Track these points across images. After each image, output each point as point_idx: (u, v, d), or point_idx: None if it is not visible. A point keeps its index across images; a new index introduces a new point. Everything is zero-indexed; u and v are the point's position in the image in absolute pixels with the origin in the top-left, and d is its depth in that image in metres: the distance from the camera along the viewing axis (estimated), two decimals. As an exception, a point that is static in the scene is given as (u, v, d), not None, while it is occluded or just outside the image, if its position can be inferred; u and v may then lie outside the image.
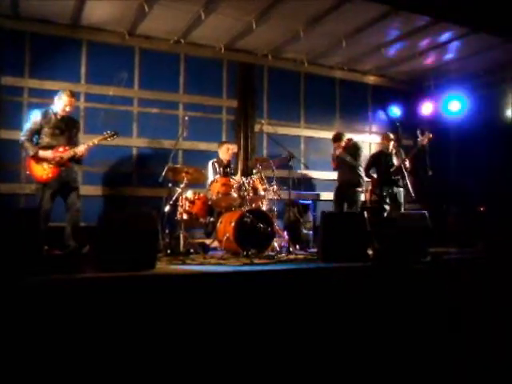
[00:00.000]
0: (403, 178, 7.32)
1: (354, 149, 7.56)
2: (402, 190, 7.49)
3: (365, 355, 4.09)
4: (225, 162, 7.20)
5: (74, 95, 5.90)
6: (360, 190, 7.48)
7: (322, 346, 4.01)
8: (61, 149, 5.64)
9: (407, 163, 7.44)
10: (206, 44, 8.11)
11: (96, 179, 7.35)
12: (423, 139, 7.53)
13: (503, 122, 8.84)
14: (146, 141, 7.78)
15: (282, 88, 8.88)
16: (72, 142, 5.78)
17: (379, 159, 7.70)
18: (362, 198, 7.79)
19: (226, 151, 7.23)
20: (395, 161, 7.53)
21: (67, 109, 5.74)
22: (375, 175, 7.75)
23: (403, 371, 4.06)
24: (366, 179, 7.64)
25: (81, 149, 5.68)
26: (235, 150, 7.98)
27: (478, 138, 8.55)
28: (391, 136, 7.75)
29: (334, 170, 7.86)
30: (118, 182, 7.52)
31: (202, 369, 3.53)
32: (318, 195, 8.84)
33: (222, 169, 7.02)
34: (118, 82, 7.51)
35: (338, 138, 7.66)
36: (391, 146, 7.65)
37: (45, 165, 5.56)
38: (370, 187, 7.86)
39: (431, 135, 7.53)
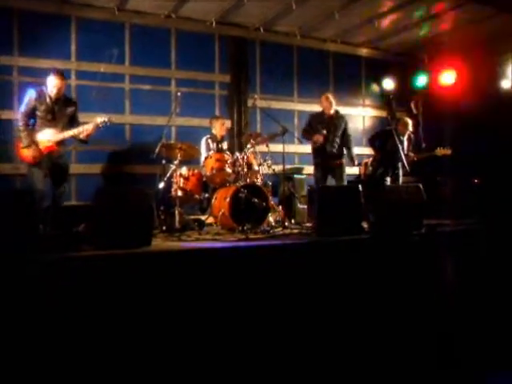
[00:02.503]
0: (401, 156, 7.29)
1: (338, 119, 7.50)
2: (400, 167, 7.51)
3: (360, 326, 4.14)
4: (218, 137, 7.17)
5: (62, 76, 5.62)
6: (344, 161, 7.42)
7: (319, 320, 4.05)
8: (51, 132, 5.57)
9: (411, 155, 7.61)
10: (197, 18, 7.98)
11: (89, 157, 7.30)
12: (440, 151, 7.58)
13: (498, 93, 8.81)
14: (138, 118, 7.72)
15: (274, 62, 8.82)
16: (68, 126, 5.68)
17: (392, 137, 7.54)
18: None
19: (220, 126, 7.21)
20: (405, 145, 7.62)
21: (54, 91, 5.55)
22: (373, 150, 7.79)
23: (399, 344, 4.12)
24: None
25: (75, 131, 5.60)
26: (228, 125, 7.96)
27: (473, 110, 8.52)
28: (410, 124, 7.80)
29: (304, 136, 7.60)
30: (111, 159, 7.47)
31: (197, 342, 3.57)
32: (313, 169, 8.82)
33: (215, 144, 6.99)
34: (109, 59, 7.41)
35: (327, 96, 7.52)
36: (407, 135, 7.75)
37: (34, 147, 5.47)
38: (366, 160, 7.85)
39: (449, 152, 7.58)
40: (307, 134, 7.49)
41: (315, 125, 7.41)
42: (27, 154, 5.48)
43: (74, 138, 5.75)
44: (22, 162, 5.76)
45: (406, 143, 7.70)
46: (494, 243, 5.31)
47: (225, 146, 7.17)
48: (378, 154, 7.74)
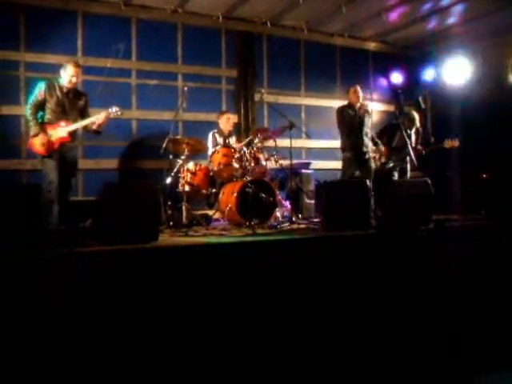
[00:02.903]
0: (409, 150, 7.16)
1: (368, 111, 7.37)
2: (408, 161, 7.45)
3: (366, 321, 4.12)
4: (226, 132, 7.14)
5: (79, 65, 5.70)
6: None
7: (326, 315, 4.03)
8: (62, 123, 5.53)
9: (419, 148, 7.51)
10: (203, 13, 7.96)
11: (96, 153, 7.29)
12: (448, 143, 7.49)
13: (507, 87, 8.73)
14: (145, 113, 7.71)
15: (281, 56, 8.77)
16: (79, 118, 5.65)
17: (399, 131, 7.43)
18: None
19: (226, 121, 7.18)
20: (412, 139, 7.54)
21: (73, 80, 5.54)
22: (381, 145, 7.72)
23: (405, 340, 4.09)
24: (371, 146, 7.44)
25: (87, 121, 5.59)
26: (235, 120, 7.93)
27: (482, 103, 8.46)
28: (417, 118, 7.71)
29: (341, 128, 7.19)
30: (118, 155, 7.47)
31: (204, 337, 3.56)
32: (320, 164, 8.79)
33: (223, 139, 6.96)
34: (116, 54, 7.40)
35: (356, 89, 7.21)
36: (414, 128, 7.66)
37: (42, 134, 5.41)
38: (373, 155, 7.81)
39: (458, 144, 7.48)
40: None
41: (351, 116, 7.08)
42: (37, 142, 5.40)
43: (86, 130, 5.75)
44: (30, 156, 5.73)
45: (413, 137, 7.66)
46: (503, 239, 5.27)
47: (232, 140, 7.14)
48: (386, 148, 7.70)
